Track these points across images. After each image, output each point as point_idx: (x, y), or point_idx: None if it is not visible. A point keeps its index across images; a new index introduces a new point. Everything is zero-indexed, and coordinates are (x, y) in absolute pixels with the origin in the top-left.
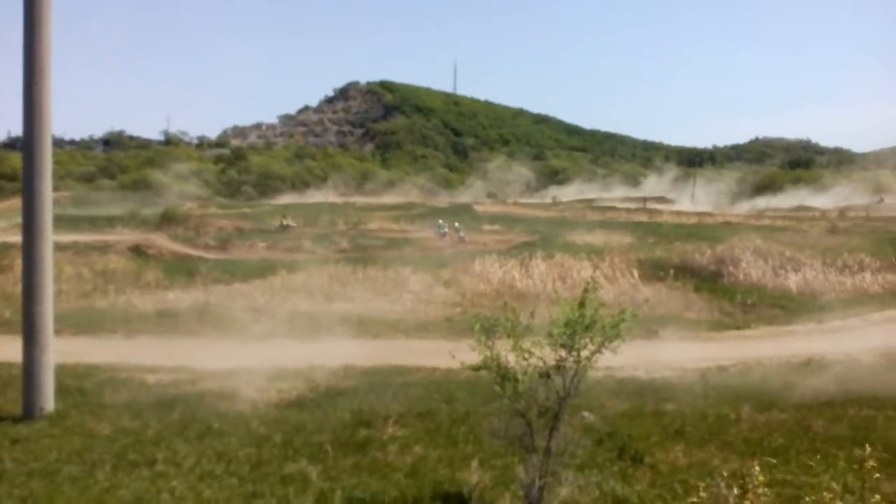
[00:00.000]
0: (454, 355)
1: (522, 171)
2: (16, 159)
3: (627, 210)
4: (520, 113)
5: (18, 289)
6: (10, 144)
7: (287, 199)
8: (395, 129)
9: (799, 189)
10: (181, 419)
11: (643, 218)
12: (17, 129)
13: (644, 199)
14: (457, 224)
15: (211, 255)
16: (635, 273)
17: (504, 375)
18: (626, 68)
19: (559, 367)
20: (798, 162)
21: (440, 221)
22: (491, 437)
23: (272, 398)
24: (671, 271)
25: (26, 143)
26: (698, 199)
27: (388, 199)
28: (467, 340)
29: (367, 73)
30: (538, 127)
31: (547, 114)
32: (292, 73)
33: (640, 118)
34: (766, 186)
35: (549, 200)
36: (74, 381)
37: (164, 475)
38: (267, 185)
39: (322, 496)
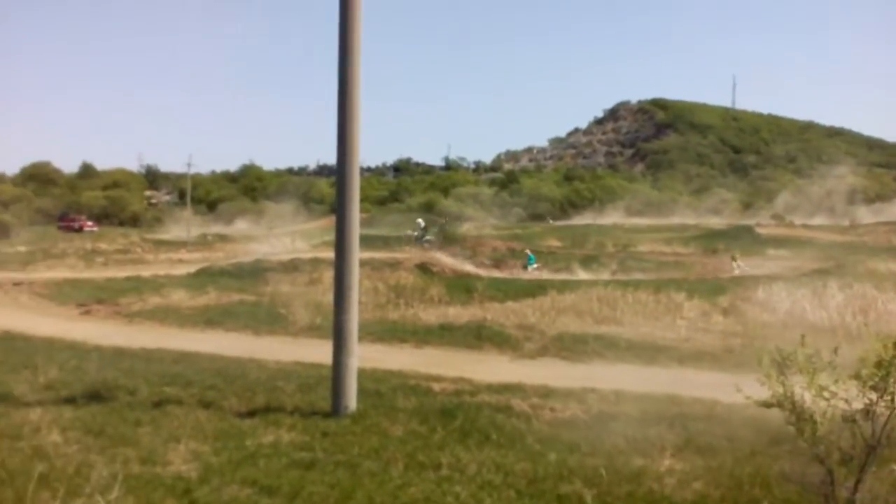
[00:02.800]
0: (740, 389)
1: (812, 191)
2: (323, 185)
3: None
4: (808, 126)
5: (327, 298)
6: (319, 172)
7: (557, 221)
8: (668, 147)
9: None
10: (462, 427)
11: None
12: (324, 159)
13: None
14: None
15: (486, 274)
16: None
17: (800, 416)
18: None
19: (867, 412)
20: None
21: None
22: (783, 482)
23: (546, 416)
24: None
25: (339, 172)
26: None
27: (660, 220)
28: (750, 374)
29: (638, 92)
30: (831, 141)
31: (841, 126)
32: (562, 97)
33: None
34: None
35: (845, 223)
36: (372, 384)
37: (449, 479)
38: (536, 206)
39: None
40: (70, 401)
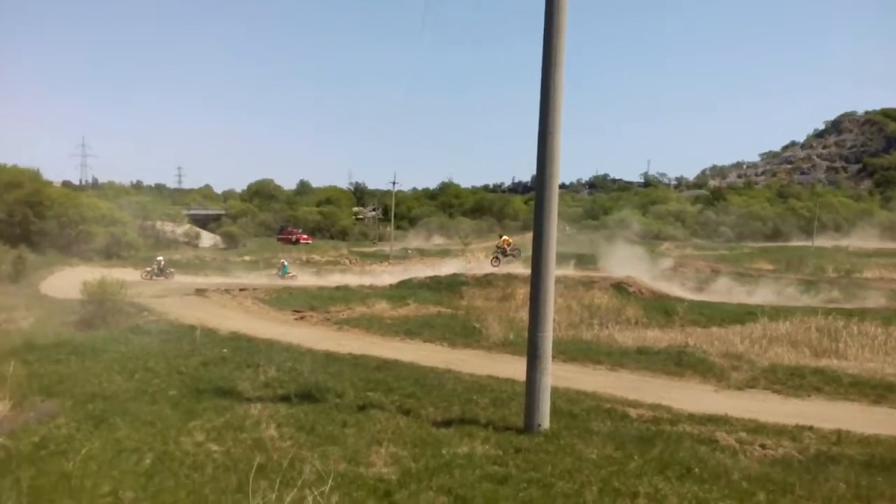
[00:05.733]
0: None
1: None
2: (517, 201)
3: None
4: None
5: (519, 315)
6: (514, 189)
7: (766, 242)
8: None
9: None
10: (661, 457)
11: None
12: (519, 177)
13: None
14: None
15: (688, 296)
16: None
17: None
18: None
19: None
20: None
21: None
22: None
23: (755, 453)
24: None
25: (538, 189)
26: None
27: (891, 244)
28: None
29: (866, 103)
30: None
31: None
32: (776, 109)
33: None
34: None
35: None
36: (566, 405)
37: None
38: (746, 225)
39: None
40: (285, 398)
